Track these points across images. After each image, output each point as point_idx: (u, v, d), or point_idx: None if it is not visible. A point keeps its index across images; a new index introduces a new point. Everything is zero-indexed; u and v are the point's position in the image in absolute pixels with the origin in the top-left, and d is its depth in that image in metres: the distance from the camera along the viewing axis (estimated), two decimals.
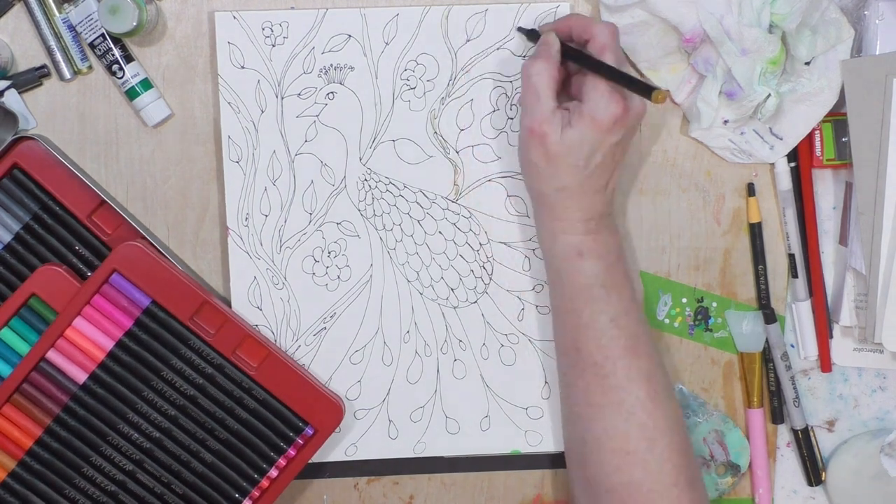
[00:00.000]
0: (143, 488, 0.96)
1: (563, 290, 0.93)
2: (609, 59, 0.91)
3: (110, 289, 0.95)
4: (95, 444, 0.96)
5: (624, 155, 0.94)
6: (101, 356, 0.95)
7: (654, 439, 0.91)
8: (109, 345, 0.95)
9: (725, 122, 0.99)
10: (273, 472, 0.98)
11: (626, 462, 0.91)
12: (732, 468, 1.04)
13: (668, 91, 0.84)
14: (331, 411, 0.97)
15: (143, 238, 0.97)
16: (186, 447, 0.97)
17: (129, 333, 0.95)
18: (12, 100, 0.96)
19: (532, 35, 0.97)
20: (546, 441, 1.02)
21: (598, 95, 0.90)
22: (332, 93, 0.99)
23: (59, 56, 0.97)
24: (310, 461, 0.99)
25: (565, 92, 0.95)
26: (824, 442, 1.05)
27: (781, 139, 1.00)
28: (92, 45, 0.96)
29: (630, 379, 0.91)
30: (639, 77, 0.89)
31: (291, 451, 0.98)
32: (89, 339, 0.95)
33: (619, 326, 0.92)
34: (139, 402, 0.96)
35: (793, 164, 1.01)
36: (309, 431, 0.98)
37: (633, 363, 0.92)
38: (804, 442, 1.04)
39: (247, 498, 0.97)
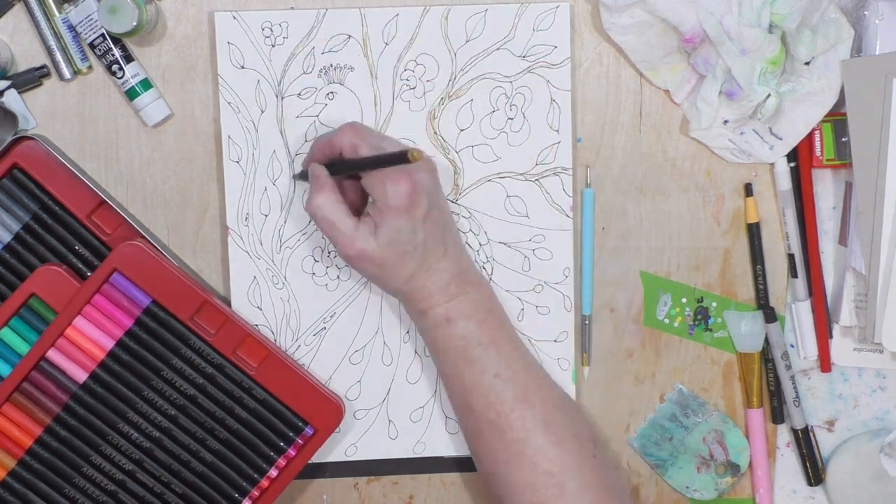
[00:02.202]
0: (143, 488, 0.96)
1: (443, 357, 0.94)
2: (364, 153, 0.91)
3: (111, 288, 0.95)
4: (95, 443, 0.96)
5: (444, 212, 0.94)
6: (101, 355, 0.95)
7: (562, 484, 0.91)
8: (110, 344, 0.95)
9: (725, 122, 0.99)
10: (273, 472, 0.98)
11: None
12: (732, 468, 1.04)
13: (419, 150, 0.86)
14: (331, 411, 0.98)
15: (143, 238, 0.97)
16: (186, 447, 0.97)
17: (129, 333, 0.95)
18: (12, 100, 0.96)
19: (304, 175, 0.97)
20: None
21: (381, 186, 0.90)
22: (331, 93, 0.99)
23: (59, 56, 0.97)
24: (310, 461, 0.99)
25: (353, 205, 0.95)
26: (824, 442, 1.05)
27: (781, 139, 1.00)
28: (92, 45, 0.96)
29: (527, 430, 0.92)
30: (391, 151, 0.90)
31: (291, 451, 0.98)
32: (89, 338, 0.95)
33: (505, 380, 0.93)
34: (139, 402, 0.96)
35: (792, 164, 1.01)
36: (309, 431, 0.98)
37: (526, 414, 0.92)
38: (804, 442, 1.04)
39: (246, 498, 0.98)
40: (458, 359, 0.93)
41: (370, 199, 0.93)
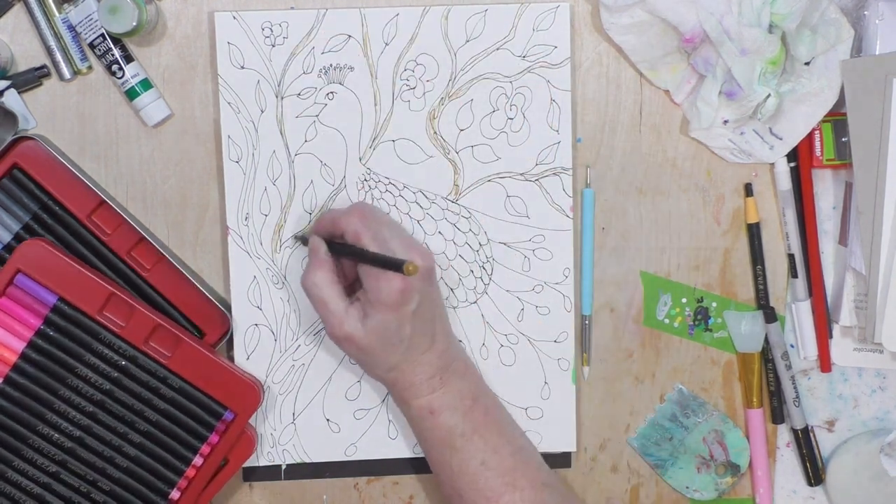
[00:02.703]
0: (69, 489, 0.96)
1: (429, 446, 0.95)
2: (366, 242, 0.91)
3: (15, 290, 0.94)
4: (16, 448, 0.95)
5: (436, 306, 0.95)
6: (13, 359, 0.94)
7: None
8: (21, 346, 0.94)
9: (725, 122, 0.99)
10: (198, 461, 0.97)
11: None
12: (732, 468, 1.04)
13: (416, 264, 0.86)
14: (248, 394, 0.97)
15: (143, 238, 0.97)
16: (108, 443, 0.96)
17: (39, 333, 0.94)
18: (12, 100, 0.96)
19: (306, 241, 0.97)
20: (545, 441, 1.02)
21: (374, 279, 0.91)
22: (331, 93, 0.98)
23: (58, 56, 0.97)
24: (311, 461, 0.99)
25: (347, 280, 0.96)
26: (824, 442, 1.05)
27: (781, 139, 1.00)
28: (92, 45, 0.96)
29: None
30: (387, 256, 0.90)
31: (214, 438, 0.97)
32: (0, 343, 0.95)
33: (491, 467, 0.94)
34: (56, 402, 0.95)
35: (793, 164, 1.01)
36: (229, 416, 0.97)
37: (515, 496, 0.93)
38: (804, 442, 1.04)
39: (174, 489, 0.97)
40: (443, 448, 0.94)
41: (363, 286, 0.93)
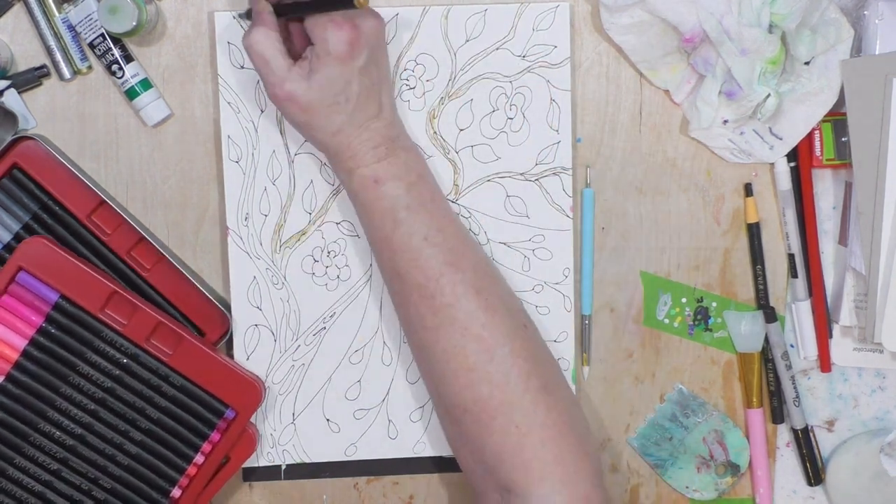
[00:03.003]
0: (70, 486, 0.96)
1: (371, 219, 0.92)
2: None
3: (17, 287, 0.94)
4: (18, 445, 0.95)
5: (383, 72, 0.92)
6: (15, 356, 0.94)
7: (492, 350, 0.90)
8: (23, 344, 0.94)
9: (725, 121, 0.99)
10: (199, 459, 0.97)
11: (470, 379, 0.90)
12: (732, 468, 1.04)
13: None
14: (250, 392, 0.97)
15: (143, 238, 0.97)
16: (110, 440, 0.96)
17: (41, 330, 0.95)
18: (12, 100, 0.96)
19: (250, 15, 0.95)
20: None
21: (322, 30, 0.88)
22: None
23: (58, 56, 0.97)
24: (311, 461, 0.99)
25: (297, 52, 0.93)
26: (824, 442, 1.05)
27: (781, 139, 1.00)
28: (92, 45, 0.96)
29: (457, 295, 0.91)
30: None
31: (215, 436, 0.97)
32: (1, 340, 0.94)
33: (434, 244, 0.91)
34: (58, 400, 0.95)
35: (792, 164, 1.01)
36: (230, 414, 0.97)
37: (456, 278, 0.91)
38: (804, 442, 1.04)
39: (175, 486, 0.97)
40: (385, 221, 0.91)
41: (311, 44, 0.90)
